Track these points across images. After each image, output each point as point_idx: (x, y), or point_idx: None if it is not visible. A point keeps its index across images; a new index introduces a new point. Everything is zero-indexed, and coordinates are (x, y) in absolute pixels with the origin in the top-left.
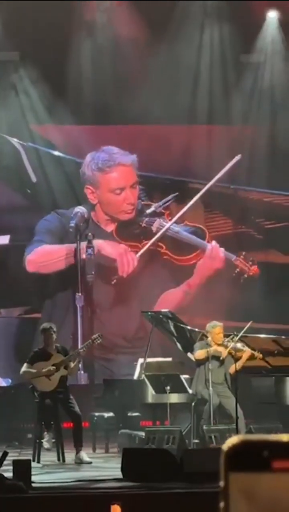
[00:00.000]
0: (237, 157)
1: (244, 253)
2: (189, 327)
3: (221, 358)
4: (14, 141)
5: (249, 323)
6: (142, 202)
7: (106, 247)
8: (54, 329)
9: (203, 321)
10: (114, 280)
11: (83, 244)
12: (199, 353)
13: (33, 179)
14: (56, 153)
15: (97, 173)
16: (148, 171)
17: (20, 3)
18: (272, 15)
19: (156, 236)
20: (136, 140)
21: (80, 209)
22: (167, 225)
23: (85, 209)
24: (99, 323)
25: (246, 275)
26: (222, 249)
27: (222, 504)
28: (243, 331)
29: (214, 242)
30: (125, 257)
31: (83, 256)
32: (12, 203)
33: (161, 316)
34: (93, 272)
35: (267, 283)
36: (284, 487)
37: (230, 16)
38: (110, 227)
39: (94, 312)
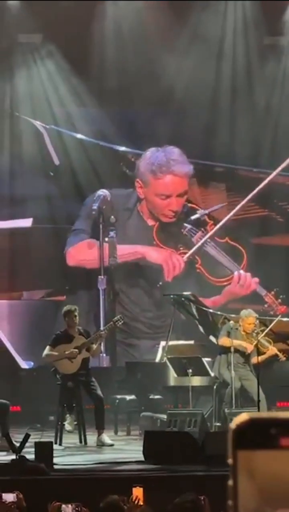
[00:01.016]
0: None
1: (275, 289)
2: (211, 310)
3: (246, 353)
4: (37, 123)
5: (278, 317)
6: (189, 205)
7: (152, 253)
8: (77, 312)
9: (233, 305)
10: (160, 284)
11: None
12: (224, 340)
13: (56, 162)
14: (79, 136)
15: (149, 175)
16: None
17: None
18: None
19: (192, 250)
20: (158, 122)
21: (103, 192)
22: (204, 238)
23: (108, 192)
24: (120, 306)
25: (272, 312)
26: (256, 279)
27: (230, 482)
28: (270, 326)
29: (243, 273)
30: (170, 261)
31: (106, 239)
32: (35, 186)
33: (183, 298)
34: (115, 256)
35: (288, 266)
36: None
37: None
38: (151, 222)
39: (116, 294)
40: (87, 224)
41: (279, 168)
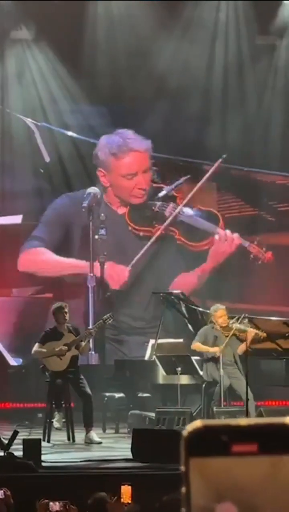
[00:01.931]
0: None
1: (258, 238)
2: (200, 309)
3: (216, 355)
4: (28, 120)
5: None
6: (154, 185)
7: (96, 269)
8: (67, 309)
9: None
10: (109, 294)
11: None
12: (196, 346)
13: (46, 159)
14: (69, 133)
15: (110, 158)
16: (162, 152)
17: None
18: None
19: (168, 221)
20: (149, 119)
21: (93, 189)
22: (178, 208)
23: (98, 190)
24: (110, 303)
25: (260, 262)
26: (237, 234)
27: (183, 489)
28: (242, 316)
29: (224, 230)
30: (113, 272)
31: (96, 236)
32: (25, 183)
33: (172, 297)
34: (105, 253)
35: (279, 266)
36: (243, 470)
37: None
38: (122, 210)
39: (105, 292)
40: (46, 231)
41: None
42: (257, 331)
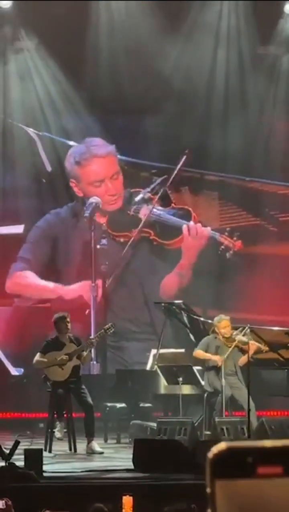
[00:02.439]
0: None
1: (228, 229)
2: (202, 319)
3: (218, 365)
4: (30, 130)
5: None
6: (131, 190)
7: (67, 292)
8: (68, 319)
9: (215, 313)
10: (88, 311)
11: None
12: (198, 353)
13: (48, 168)
14: (71, 143)
15: (76, 167)
16: (162, 161)
17: None
18: None
19: (141, 224)
20: (150, 130)
21: (94, 199)
22: (151, 209)
23: (99, 199)
24: (111, 312)
25: (231, 251)
26: (208, 228)
27: (209, 511)
28: (245, 330)
29: (192, 223)
30: (90, 289)
31: (98, 246)
32: (27, 193)
33: (174, 307)
34: (107, 263)
35: (281, 276)
36: (269, 492)
37: (247, 8)
38: (102, 220)
39: (107, 302)
40: (32, 252)
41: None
42: (259, 345)
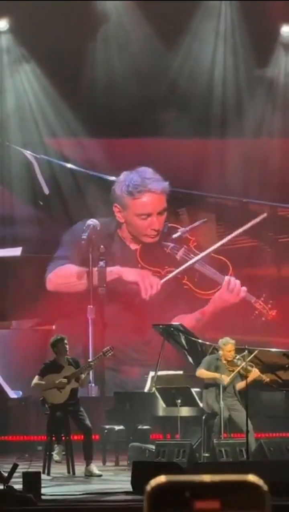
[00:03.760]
0: (263, 215)
1: (264, 295)
2: (200, 340)
3: (224, 384)
4: (28, 153)
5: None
6: (169, 224)
7: (128, 273)
8: (66, 341)
9: (214, 335)
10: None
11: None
12: (202, 373)
13: (46, 191)
14: (69, 165)
15: (126, 196)
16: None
17: (33, 16)
18: (286, 30)
19: (180, 269)
20: (148, 153)
21: (92, 221)
22: (192, 260)
23: (98, 221)
24: (110, 335)
25: (263, 319)
26: (244, 288)
27: None
28: (252, 356)
29: (233, 278)
30: (147, 280)
31: (95, 268)
32: (25, 215)
33: (172, 329)
34: (104, 285)
35: (278, 297)
36: None
37: (243, 30)
38: (134, 245)
39: (105, 324)
40: (69, 251)
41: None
42: (261, 375)
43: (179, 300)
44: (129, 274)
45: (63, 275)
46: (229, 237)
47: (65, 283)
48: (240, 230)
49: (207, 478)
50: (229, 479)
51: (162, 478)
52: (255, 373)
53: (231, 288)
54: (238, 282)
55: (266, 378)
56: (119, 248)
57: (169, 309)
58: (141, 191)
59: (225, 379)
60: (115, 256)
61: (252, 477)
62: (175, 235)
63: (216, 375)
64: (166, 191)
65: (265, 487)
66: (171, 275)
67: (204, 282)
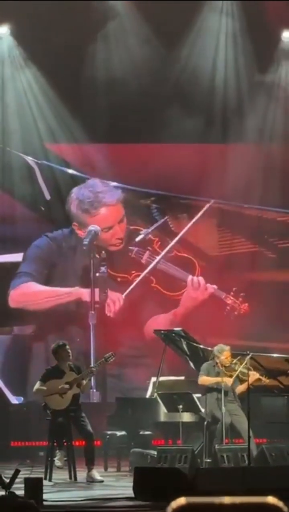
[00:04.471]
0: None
1: (234, 289)
2: (202, 346)
3: (228, 387)
4: (29, 159)
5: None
6: (131, 227)
7: (87, 294)
8: (68, 346)
9: (215, 340)
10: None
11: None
12: (204, 380)
13: (47, 196)
14: (70, 171)
15: (83, 215)
16: (160, 189)
17: (35, 22)
18: (287, 35)
19: (144, 273)
20: (149, 158)
21: (94, 227)
22: (155, 261)
23: (99, 227)
24: (111, 340)
25: (236, 313)
26: (214, 286)
27: None
28: (247, 358)
29: (196, 278)
30: (109, 298)
31: (97, 274)
32: (26, 221)
33: (173, 334)
34: (106, 290)
35: (280, 302)
36: None
37: (245, 36)
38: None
39: (107, 329)
40: (33, 267)
41: None
42: (260, 376)
43: (149, 303)
44: (87, 295)
45: (26, 293)
46: (184, 230)
47: (28, 301)
48: (191, 222)
49: (227, 500)
50: (249, 501)
51: (181, 500)
52: (254, 375)
53: (196, 285)
54: (201, 278)
55: (265, 379)
56: (82, 259)
57: (143, 310)
58: (97, 207)
59: (228, 381)
60: (80, 267)
61: (271, 499)
62: (138, 238)
63: (219, 379)
64: (120, 199)
65: (285, 509)
66: (132, 286)
67: (171, 283)
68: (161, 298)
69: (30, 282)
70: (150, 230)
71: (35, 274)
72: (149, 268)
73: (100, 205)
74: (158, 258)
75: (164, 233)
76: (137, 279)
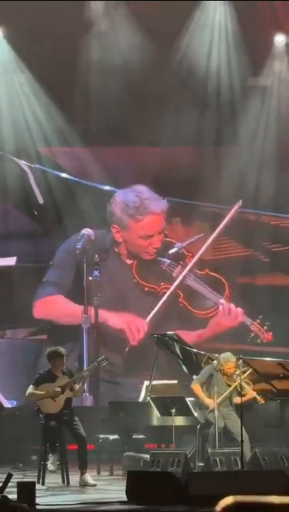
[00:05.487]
0: (239, 203)
1: (260, 316)
2: (194, 350)
3: (208, 411)
4: (22, 163)
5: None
6: (166, 239)
7: (112, 318)
8: (64, 354)
9: (209, 345)
10: (127, 349)
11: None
12: (195, 388)
13: (40, 200)
14: (63, 175)
15: (128, 218)
16: (157, 193)
17: (29, 27)
18: (280, 39)
19: (173, 287)
20: (143, 162)
21: (87, 231)
22: (181, 274)
23: (92, 231)
24: (104, 345)
25: (259, 340)
26: (240, 309)
27: None
28: (246, 374)
29: (228, 303)
30: (133, 325)
31: (90, 278)
32: (19, 225)
33: (166, 338)
34: (99, 294)
35: (272, 306)
36: None
37: (238, 39)
38: (130, 260)
39: (100, 333)
40: (59, 275)
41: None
42: (257, 396)
43: (174, 317)
44: (115, 320)
45: (51, 306)
46: (210, 239)
47: (53, 315)
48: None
49: (276, 499)
50: None
51: (230, 499)
52: (250, 393)
53: (226, 312)
54: (232, 305)
55: (261, 400)
56: (114, 262)
57: (165, 323)
58: (143, 213)
59: (211, 404)
60: (111, 269)
61: None
62: (171, 251)
63: (204, 399)
64: (165, 210)
65: None
66: (156, 308)
67: (199, 300)
68: (185, 314)
69: (56, 295)
70: (184, 244)
71: (60, 282)
72: (176, 282)
73: (146, 212)
74: (185, 271)
75: (197, 249)
76: (155, 308)
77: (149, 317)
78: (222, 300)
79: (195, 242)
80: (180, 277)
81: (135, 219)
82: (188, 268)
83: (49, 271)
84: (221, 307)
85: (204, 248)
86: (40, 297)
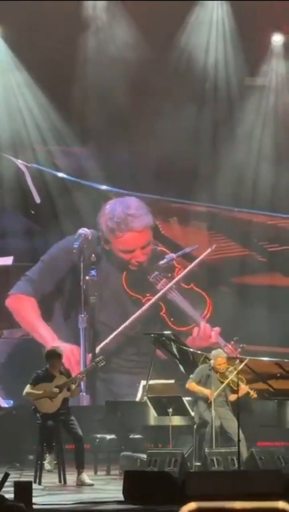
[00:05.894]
0: (211, 248)
1: (235, 338)
2: (191, 349)
3: (209, 401)
4: (19, 162)
5: (246, 360)
6: (158, 248)
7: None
8: (63, 354)
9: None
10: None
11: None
12: (191, 386)
13: (37, 200)
14: (60, 174)
15: (109, 233)
16: (152, 193)
17: (26, 26)
18: (277, 39)
19: (155, 298)
20: (140, 162)
21: (84, 230)
22: (164, 288)
23: (89, 231)
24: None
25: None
26: (217, 329)
27: None
28: (241, 367)
29: (203, 323)
30: (71, 358)
31: (87, 277)
32: (16, 224)
33: (163, 338)
34: (96, 294)
35: (270, 306)
36: None
37: (235, 38)
38: (119, 266)
39: (97, 333)
40: (43, 274)
41: None
42: (249, 390)
43: (154, 327)
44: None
45: (17, 307)
46: (198, 260)
47: (17, 314)
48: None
49: (238, 505)
50: (260, 506)
51: (192, 505)
52: (243, 389)
53: (201, 335)
54: (207, 326)
55: (253, 394)
56: (106, 266)
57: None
58: (123, 230)
59: (210, 394)
60: (102, 273)
61: (282, 504)
62: (161, 262)
63: (203, 390)
64: (148, 226)
65: None
66: (126, 323)
67: (179, 315)
68: (164, 328)
69: (29, 297)
70: (174, 256)
71: (41, 282)
72: (157, 296)
73: (127, 229)
74: (167, 286)
75: (189, 260)
76: (148, 302)
77: (98, 348)
78: (200, 321)
79: (189, 252)
80: (162, 292)
81: (116, 235)
82: (171, 283)
83: (35, 267)
84: (195, 329)
85: (184, 272)
86: (16, 291)
